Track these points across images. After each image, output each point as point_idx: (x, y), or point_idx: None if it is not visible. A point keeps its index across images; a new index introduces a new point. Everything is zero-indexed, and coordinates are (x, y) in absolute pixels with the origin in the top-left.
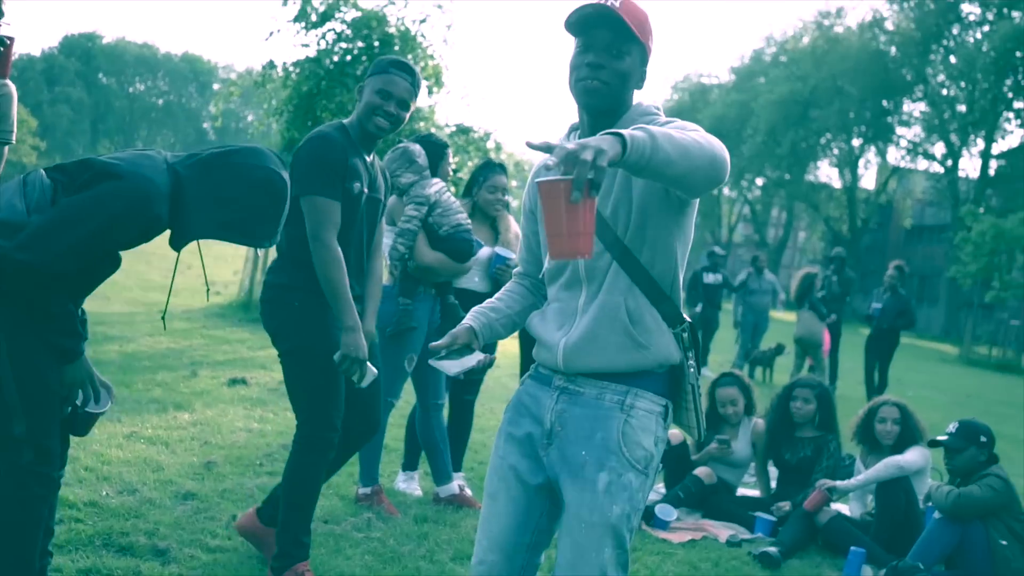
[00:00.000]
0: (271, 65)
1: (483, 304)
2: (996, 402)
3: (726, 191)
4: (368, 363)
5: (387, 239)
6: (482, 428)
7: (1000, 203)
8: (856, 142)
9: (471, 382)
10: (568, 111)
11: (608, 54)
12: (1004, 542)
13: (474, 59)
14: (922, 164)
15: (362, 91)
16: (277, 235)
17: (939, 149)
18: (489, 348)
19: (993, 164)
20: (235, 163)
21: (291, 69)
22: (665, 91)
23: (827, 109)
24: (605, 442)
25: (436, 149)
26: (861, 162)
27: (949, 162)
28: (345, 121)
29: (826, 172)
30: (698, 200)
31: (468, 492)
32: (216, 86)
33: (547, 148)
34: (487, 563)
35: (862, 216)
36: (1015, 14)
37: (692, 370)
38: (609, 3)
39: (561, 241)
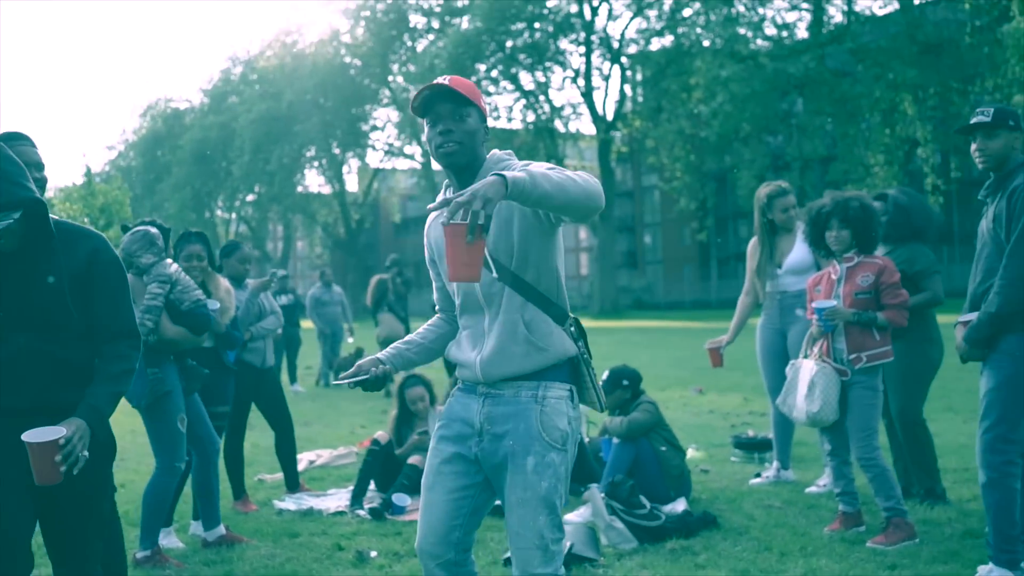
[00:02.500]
0: None
1: (401, 340)
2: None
3: (219, 212)
4: None
5: None
6: None
7: None
8: (337, 151)
9: (218, 428)
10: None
11: (453, 119)
12: (664, 448)
13: None
14: (401, 163)
15: None
16: None
17: (414, 148)
18: None
19: None
20: None
21: None
22: (134, 121)
23: (307, 123)
24: (528, 431)
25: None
26: (344, 168)
27: (423, 159)
28: None
29: (315, 181)
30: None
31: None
32: None
33: (445, 203)
34: (426, 544)
35: (355, 218)
36: (456, 20)
37: (584, 356)
38: (441, 81)
39: (457, 269)
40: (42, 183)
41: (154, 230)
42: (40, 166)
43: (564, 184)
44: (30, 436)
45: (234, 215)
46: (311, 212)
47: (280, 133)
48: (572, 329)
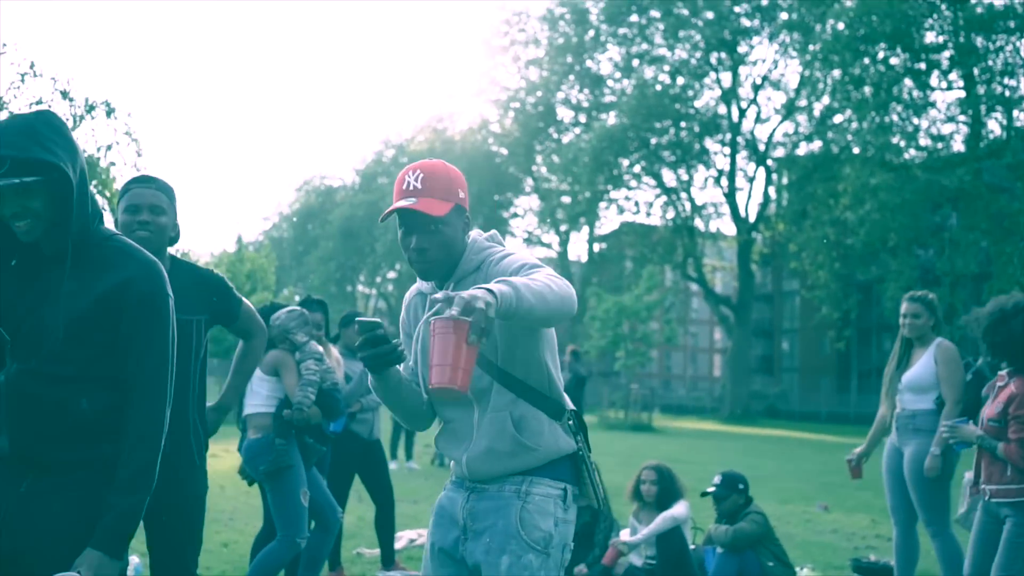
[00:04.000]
0: None
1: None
2: (649, 457)
3: (360, 288)
4: None
5: (264, 387)
6: None
7: (607, 280)
8: None
9: None
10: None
11: (427, 232)
12: (771, 563)
13: (171, 175)
14: (538, 251)
15: (118, 223)
16: None
17: (552, 237)
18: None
19: (596, 246)
20: None
21: None
22: (289, 194)
23: None
24: (506, 528)
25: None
26: None
27: (560, 248)
28: None
29: None
30: None
31: None
32: None
33: (448, 299)
34: None
35: None
36: (603, 116)
37: (582, 452)
38: (409, 204)
39: (445, 372)
40: (158, 228)
41: (307, 311)
42: (155, 209)
43: (544, 295)
44: None
45: (374, 291)
46: None
47: None
48: (570, 423)
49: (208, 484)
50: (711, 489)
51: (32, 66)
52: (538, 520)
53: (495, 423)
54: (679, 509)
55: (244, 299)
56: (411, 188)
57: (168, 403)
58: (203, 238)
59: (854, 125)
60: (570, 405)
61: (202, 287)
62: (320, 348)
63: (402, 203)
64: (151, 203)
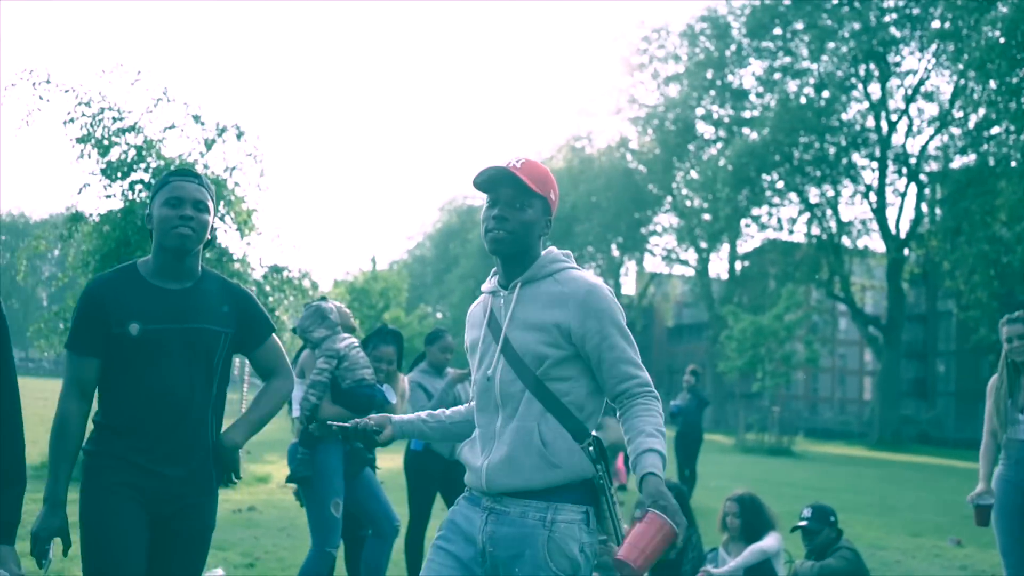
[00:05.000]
0: (77, 216)
1: (426, 411)
2: (781, 483)
3: None
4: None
5: (298, 391)
6: None
7: (750, 299)
8: (615, 252)
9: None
10: (382, 235)
11: (512, 207)
12: None
13: (290, 199)
14: (677, 269)
15: (151, 217)
16: None
17: (691, 255)
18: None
19: (738, 265)
20: None
21: (95, 220)
22: (433, 213)
23: (587, 224)
24: (533, 559)
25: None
26: (622, 270)
27: (699, 266)
28: (141, 260)
29: None
30: None
31: None
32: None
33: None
34: None
35: (627, 321)
36: (745, 130)
37: (603, 481)
38: (509, 166)
39: (634, 551)
40: (200, 226)
41: (328, 304)
42: (199, 204)
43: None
44: None
45: None
46: None
47: (561, 233)
48: (591, 449)
49: (216, 519)
50: (802, 523)
51: (165, 92)
52: (566, 548)
53: (521, 433)
54: (769, 541)
55: (274, 335)
56: (512, 166)
57: (19, 404)
58: (341, 258)
59: (1012, 138)
60: (594, 431)
61: (231, 301)
62: (346, 341)
63: (504, 164)
64: (195, 198)
